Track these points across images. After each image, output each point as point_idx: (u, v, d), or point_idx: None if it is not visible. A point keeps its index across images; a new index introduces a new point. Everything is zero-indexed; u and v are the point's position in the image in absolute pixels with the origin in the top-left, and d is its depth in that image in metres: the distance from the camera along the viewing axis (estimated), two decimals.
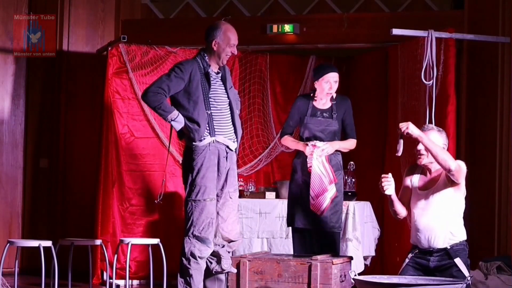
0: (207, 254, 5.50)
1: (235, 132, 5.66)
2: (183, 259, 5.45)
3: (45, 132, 9.00)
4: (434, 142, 5.16)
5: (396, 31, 7.13)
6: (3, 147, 8.87)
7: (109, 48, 8.19)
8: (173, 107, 5.50)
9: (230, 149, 5.64)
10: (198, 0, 9.35)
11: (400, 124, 5.19)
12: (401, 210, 5.40)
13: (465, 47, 7.92)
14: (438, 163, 5.14)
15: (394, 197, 5.36)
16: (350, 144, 6.42)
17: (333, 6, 9.06)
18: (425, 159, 5.29)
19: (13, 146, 8.94)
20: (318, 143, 6.24)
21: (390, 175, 5.32)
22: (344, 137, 6.44)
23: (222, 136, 5.57)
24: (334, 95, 6.42)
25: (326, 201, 6.21)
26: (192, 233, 5.46)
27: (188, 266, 5.44)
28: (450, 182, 5.22)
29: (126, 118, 8.18)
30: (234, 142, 5.66)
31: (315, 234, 6.31)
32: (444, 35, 7.27)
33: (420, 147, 5.26)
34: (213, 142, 5.53)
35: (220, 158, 5.56)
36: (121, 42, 8.06)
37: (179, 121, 5.47)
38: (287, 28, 8.68)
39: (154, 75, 8.21)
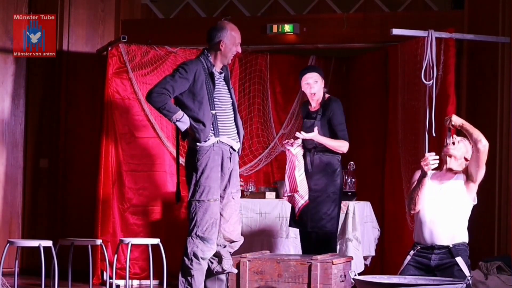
0: (209, 255, 5.49)
1: (238, 132, 5.68)
2: (186, 259, 5.45)
3: (45, 132, 9.00)
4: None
5: (396, 31, 7.13)
6: (3, 147, 8.87)
7: (109, 48, 8.19)
8: (178, 108, 5.48)
9: (234, 150, 5.65)
10: (198, 0, 9.35)
11: (445, 118, 5.51)
12: (420, 202, 5.43)
13: (465, 47, 7.92)
14: (472, 138, 5.34)
15: (426, 181, 5.41)
16: (339, 144, 6.41)
17: (333, 6, 9.06)
18: (452, 151, 5.41)
19: (13, 146, 8.94)
20: (296, 143, 6.36)
21: (434, 153, 5.46)
22: (335, 138, 6.48)
23: (226, 136, 5.57)
24: (326, 96, 6.49)
25: (299, 202, 6.32)
26: (196, 233, 5.45)
27: (190, 266, 5.44)
28: (467, 176, 5.28)
29: (126, 118, 8.18)
30: (237, 142, 5.67)
31: (308, 234, 6.43)
32: (444, 35, 7.27)
33: (453, 139, 5.46)
34: (217, 142, 5.53)
35: (224, 159, 5.56)
36: (121, 42, 8.06)
37: (184, 121, 5.46)
38: (287, 28, 8.68)
39: (154, 75, 8.22)
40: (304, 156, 6.47)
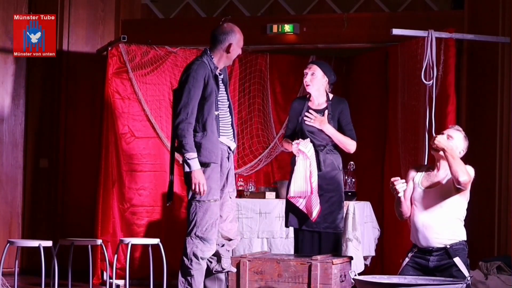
0: (209, 255, 5.50)
1: (233, 133, 5.68)
2: (185, 259, 5.45)
3: (45, 132, 9.00)
4: (455, 151, 5.27)
5: (396, 31, 7.13)
6: (3, 147, 8.88)
7: (109, 48, 8.19)
8: (195, 149, 5.41)
9: (231, 150, 5.65)
10: (198, 0, 9.36)
11: (432, 137, 5.35)
12: (407, 211, 5.41)
13: (465, 47, 7.92)
14: (451, 171, 5.19)
15: (403, 199, 5.37)
16: (347, 141, 6.34)
17: (333, 6, 9.06)
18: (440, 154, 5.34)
19: (13, 146, 8.94)
20: (302, 141, 6.22)
21: (399, 178, 5.33)
22: None
23: (225, 137, 5.58)
24: (331, 96, 6.42)
25: (317, 206, 6.19)
26: (195, 234, 5.45)
27: (190, 266, 5.44)
28: (456, 188, 5.23)
29: (126, 118, 8.18)
30: (234, 143, 5.67)
31: (312, 234, 6.32)
32: (444, 35, 7.27)
33: (443, 136, 5.33)
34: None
35: (223, 159, 5.57)
36: (121, 42, 8.06)
37: (191, 164, 5.39)
38: (287, 28, 8.68)
39: (154, 75, 8.22)
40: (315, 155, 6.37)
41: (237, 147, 8.55)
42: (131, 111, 8.21)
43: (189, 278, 5.44)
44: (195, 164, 5.39)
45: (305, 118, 6.31)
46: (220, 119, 5.55)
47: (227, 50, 5.58)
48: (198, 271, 5.45)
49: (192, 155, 5.39)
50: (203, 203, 5.46)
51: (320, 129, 6.29)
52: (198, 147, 5.42)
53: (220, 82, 5.63)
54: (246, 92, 8.74)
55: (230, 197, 5.69)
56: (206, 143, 5.43)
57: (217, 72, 5.59)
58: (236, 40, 5.60)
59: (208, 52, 5.60)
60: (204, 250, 5.45)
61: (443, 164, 5.35)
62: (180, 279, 5.48)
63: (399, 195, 5.32)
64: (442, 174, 5.34)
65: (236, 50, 5.62)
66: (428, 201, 5.31)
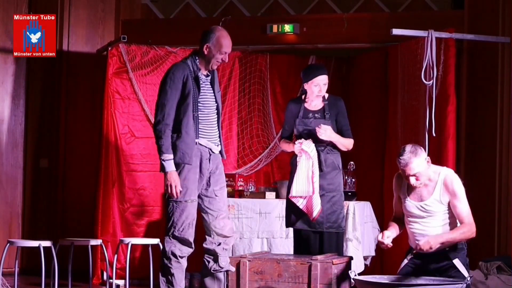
0: (188, 253, 5.56)
1: (220, 136, 5.66)
2: (164, 258, 5.51)
3: (45, 132, 9.00)
4: (450, 236, 5.19)
5: (396, 31, 7.13)
6: (3, 147, 8.87)
7: (109, 48, 8.19)
8: (171, 151, 5.44)
9: (213, 152, 5.62)
10: (198, 0, 9.36)
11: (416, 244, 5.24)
12: (399, 231, 5.44)
13: (465, 47, 7.92)
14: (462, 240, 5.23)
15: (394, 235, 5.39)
16: (348, 142, 6.35)
17: (333, 6, 9.07)
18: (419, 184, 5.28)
19: (13, 146, 8.94)
20: (304, 141, 6.21)
21: (384, 235, 5.29)
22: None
23: (206, 139, 5.55)
24: (326, 96, 6.40)
25: (318, 206, 6.18)
26: (173, 234, 5.51)
27: (170, 265, 5.49)
28: (447, 201, 5.21)
29: (126, 118, 8.19)
30: (217, 146, 5.63)
31: (314, 234, 6.30)
32: (444, 35, 7.27)
33: (413, 181, 5.24)
34: (196, 144, 5.51)
35: (203, 160, 5.55)
36: (121, 42, 8.07)
37: (166, 166, 5.42)
38: (287, 28, 8.68)
39: (154, 75, 8.22)
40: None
41: (237, 147, 8.62)
42: (131, 111, 8.22)
43: (169, 276, 5.51)
44: (169, 166, 5.42)
45: (317, 133, 6.24)
46: (200, 120, 5.52)
47: (202, 51, 5.55)
48: (178, 269, 5.52)
49: (167, 157, 5.43)
50: (180, 203, 5.50)
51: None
52: (174, 148, 5.45)
53: (206, 83, 5.58)
54: (246, 92, 8.74)
55: (217, 195, 5.67)
56: (179, 144, 5.44)
57: (200, 73, 5.55)
58: (213, 42, 5.52)
59: (194, 54, 5.60)
60: (182, 249, 5.51)
61: (424, 178, 5.32)
62: (161, 278, 5.55)
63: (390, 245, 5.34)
64: (428, 185, 5.30)
65: (213, 53, 5.52)
66: (420, 214, 5.29)
